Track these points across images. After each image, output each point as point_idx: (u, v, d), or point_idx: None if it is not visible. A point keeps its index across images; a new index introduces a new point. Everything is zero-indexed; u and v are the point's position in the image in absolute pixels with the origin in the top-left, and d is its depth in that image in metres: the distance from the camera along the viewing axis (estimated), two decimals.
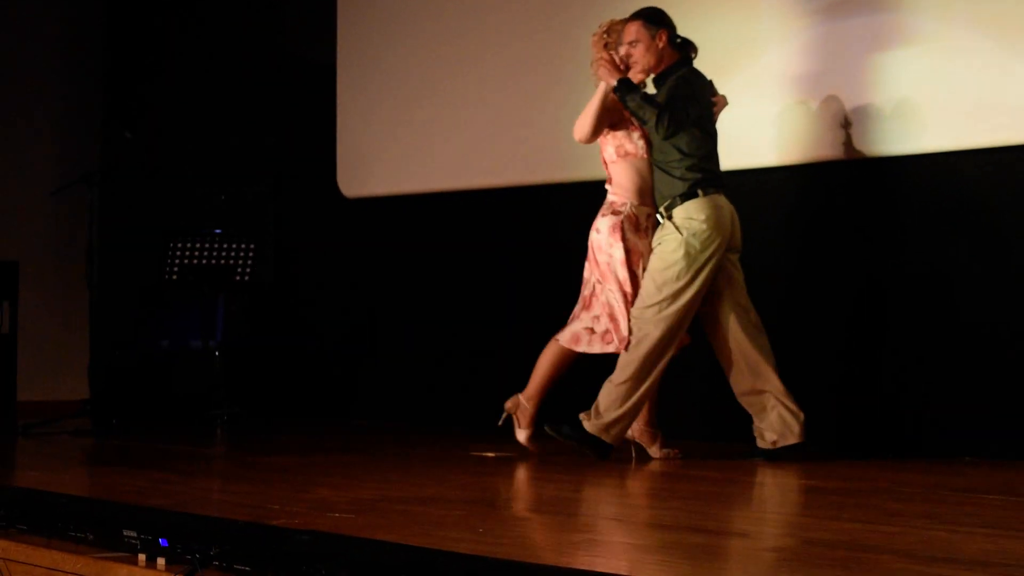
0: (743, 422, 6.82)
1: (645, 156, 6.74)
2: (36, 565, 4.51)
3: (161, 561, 4.19)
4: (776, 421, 6.62)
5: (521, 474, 6.41)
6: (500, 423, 6.95)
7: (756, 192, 7.56)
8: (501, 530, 4.63)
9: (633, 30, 6.74)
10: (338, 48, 9.85)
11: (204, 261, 9.25)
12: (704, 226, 6.55)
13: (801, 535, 4.53)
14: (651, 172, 6.73)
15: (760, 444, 6.68)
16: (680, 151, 6.61)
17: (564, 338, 6.74)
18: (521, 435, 6.88)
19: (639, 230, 6.70)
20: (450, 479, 6.16)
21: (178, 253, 9.24)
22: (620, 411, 6.54)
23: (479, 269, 9.11)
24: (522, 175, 8.50)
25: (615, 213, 6.70)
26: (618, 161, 6.77)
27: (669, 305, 6.52)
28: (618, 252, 6.63)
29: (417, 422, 9.24)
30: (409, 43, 9.42)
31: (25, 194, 10.30)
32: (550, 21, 7.14)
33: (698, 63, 6.88)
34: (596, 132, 6.76)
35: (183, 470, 6.71)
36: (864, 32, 7.28)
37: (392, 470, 6.52)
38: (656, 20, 6.76)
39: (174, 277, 9.27)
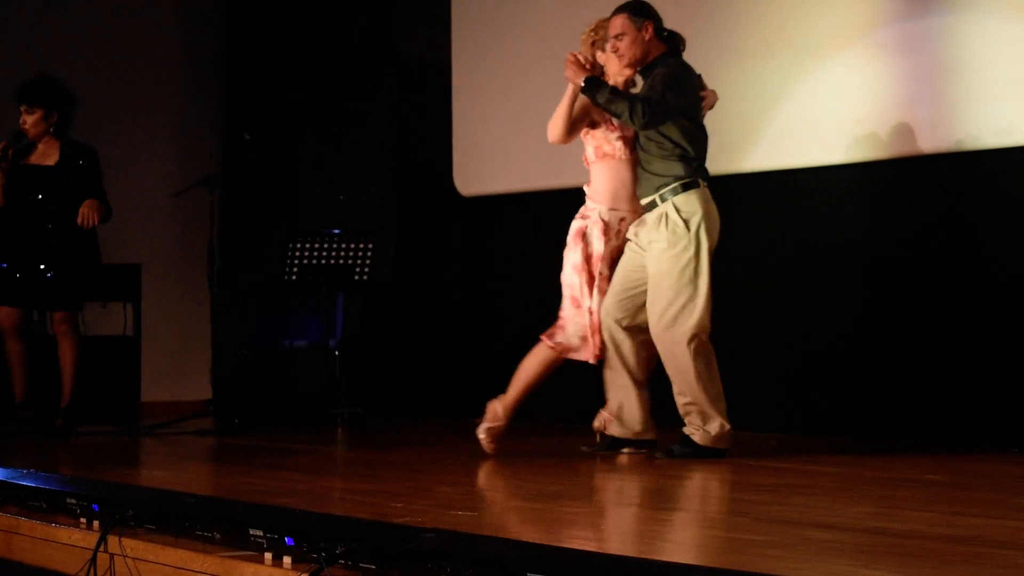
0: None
1: (624, 157, 6.66)
2: (164, 564, 4.55)
3: (287, 560, 4.21)
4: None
5: (630, 468, 6.38)
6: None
7: (835, 189, 7.63)
8: (626, 526, 4.60)
9: (618, 23, 6.62)
10: (453, 47, 9.86)
11: (323, 261, 9.31)
12: (707, 219, 6.49)
13: (930, 531, 4.44)
14: (633, 173, 6.66)
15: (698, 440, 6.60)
16: (671, 140, 6.51)
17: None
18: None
19: (609, 233, 6.68)
20: (570, 476, 6.14)
21: (297, 253, 9.31)
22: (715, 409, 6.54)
23: None
24: None
25: (583, 218, 6.73)
26: (597, 162, 6.74)
27: (690, 303, 6.49)
28: (574, 257, 6.73)
29: (535, 419, 9.22)
30: (524, 40, 9.41)
31: (147, 198, 10.43)
32: (669, 15, 7.09)
33: (791, 57, 6.83)
34: (569, 133, 6.72)
35: (306, 468, 6.76)
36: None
37: (513, 467, 6.51)
38: (641, 12, 6.63)
39: (294, 277, 9.34)
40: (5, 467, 6.23)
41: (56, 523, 5.19)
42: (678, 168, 6.49)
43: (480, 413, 6.56)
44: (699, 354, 6.47)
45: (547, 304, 9.32)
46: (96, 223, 8.13)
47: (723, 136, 7.32)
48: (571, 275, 6.73)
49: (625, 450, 6.74)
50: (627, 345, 6.66)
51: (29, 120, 8.29)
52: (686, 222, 6.45)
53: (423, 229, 10.29)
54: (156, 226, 10.62)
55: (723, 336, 7.36)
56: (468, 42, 9.77)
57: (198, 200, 9.43)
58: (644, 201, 6.59)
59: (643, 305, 6.58)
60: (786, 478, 5.95)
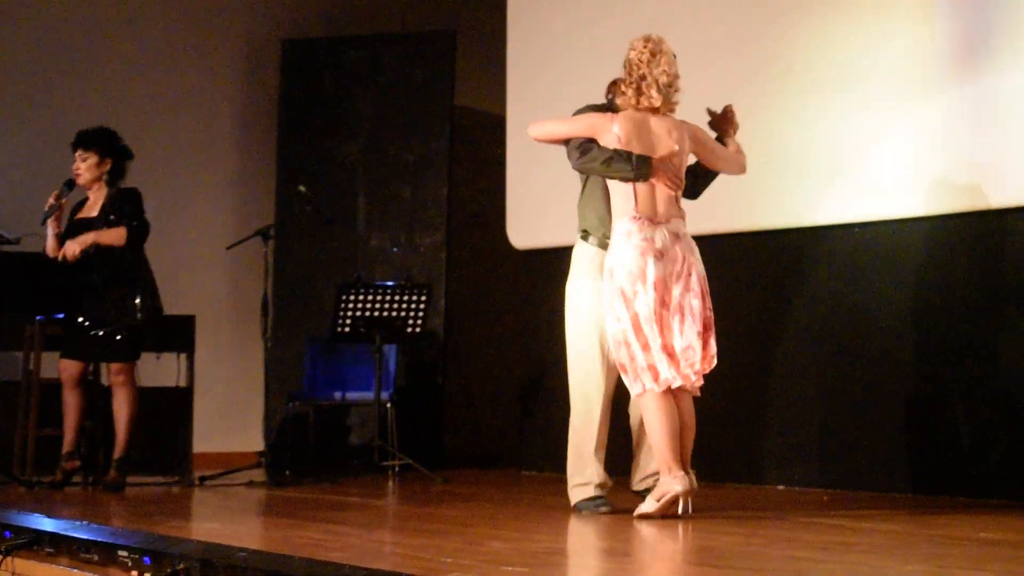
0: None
1: None
2: None
3: None
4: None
5: (694, 526, 6.32)
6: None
7: (894, 243, 7.67)
8: None
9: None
10: (507, 99, 9.90)
11: (376, 312, 9.33)
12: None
13: None
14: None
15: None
16: None
17: None
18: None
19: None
20: (622, 530, 6.10)
21: (350, 305, 9.33)
22: None
23: None
24: (698, 224, 8.39)
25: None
26: None
27: None
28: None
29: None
30: (576, 94, 9.39)
31: (202, 249, 10.49)
32: (711, 77, 7.12)
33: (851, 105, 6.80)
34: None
35: (357, 522, 6.74)
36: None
37: (563, 522, 6.48)
38: None
39: (347, 329, 9.36)
40: (57, 517, 6.25)
41: (108, 575, 5.19)
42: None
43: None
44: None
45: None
46: (77, 254, 8.18)
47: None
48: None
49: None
50: None
51: (82, 165, 8.38)
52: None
53: (476, 281, 10.31)
54: (211, 278, 10.68)
55: (774, 392, 7.36)
56: (523, 94, 9.80)
57: (252, 252, 9.48)
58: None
59: None
60: (839, 535, 5.89)
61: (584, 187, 6.80)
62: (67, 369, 8.35)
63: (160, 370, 8.95)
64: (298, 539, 5.75)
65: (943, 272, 7.57)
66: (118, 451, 8.34)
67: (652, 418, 6.29)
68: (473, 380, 11.03)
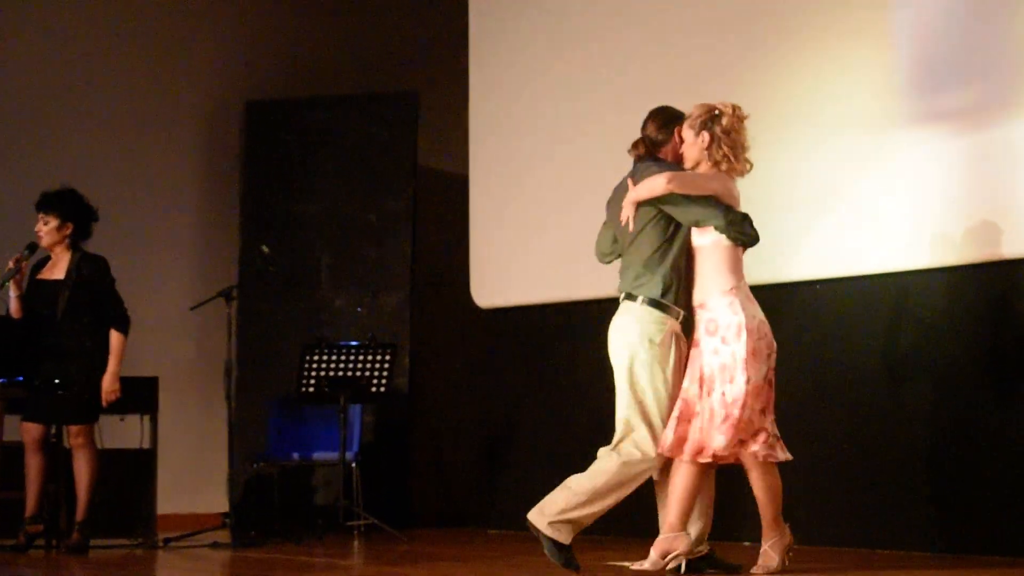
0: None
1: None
2: None
3: None
4: None
5: None
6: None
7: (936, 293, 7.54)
8: None
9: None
10: (470, 158, 9.94)
11: (340, 372, 9.31)
12: None
13: None
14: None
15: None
16: None
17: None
18: None
19: None
20: None
21: (314, 365, 9.32)
22: None
23: (613, 377, 9.05)
24: None
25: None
26: None
27: None
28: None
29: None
30: (539, 154, 9.48)
31: (165, 310, 10.45)
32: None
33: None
34: None
35: None
36: None
37: None
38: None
39: (311, 389, 9.33)
40: None
41: None
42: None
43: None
44: None
45: (563, 415, 9.33)
46: (119, 392, 8.29)
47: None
48: None
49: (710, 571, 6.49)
50: None
51: (44, 229, 8.37)
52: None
53: (441, 340, 10.31)
54: (174, 339, 10.64)
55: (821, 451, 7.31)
56: (485, 153, 9.84)
57: (216, 312, 9.45)
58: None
59: None
60: None
61: (668, 248, 6.39)
62: (29, 432, 8.31)
63: (123, 432, 8.90)
64: None
65: (961, 324, 7.47)
66: (80, 513, 8.29)
67: (771, 485, 6.30)
68: (439, 439, 11.01)
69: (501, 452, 9.80)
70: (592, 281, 9.00)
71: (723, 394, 6.16)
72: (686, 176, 6.33)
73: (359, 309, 10.50)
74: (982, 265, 7.30)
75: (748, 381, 6.14)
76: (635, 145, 6.56)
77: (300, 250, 10.65)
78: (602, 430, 9.00)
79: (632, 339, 6.32)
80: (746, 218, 6.32)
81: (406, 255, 10.49)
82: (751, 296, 6.32)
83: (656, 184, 6.26)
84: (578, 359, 9.29)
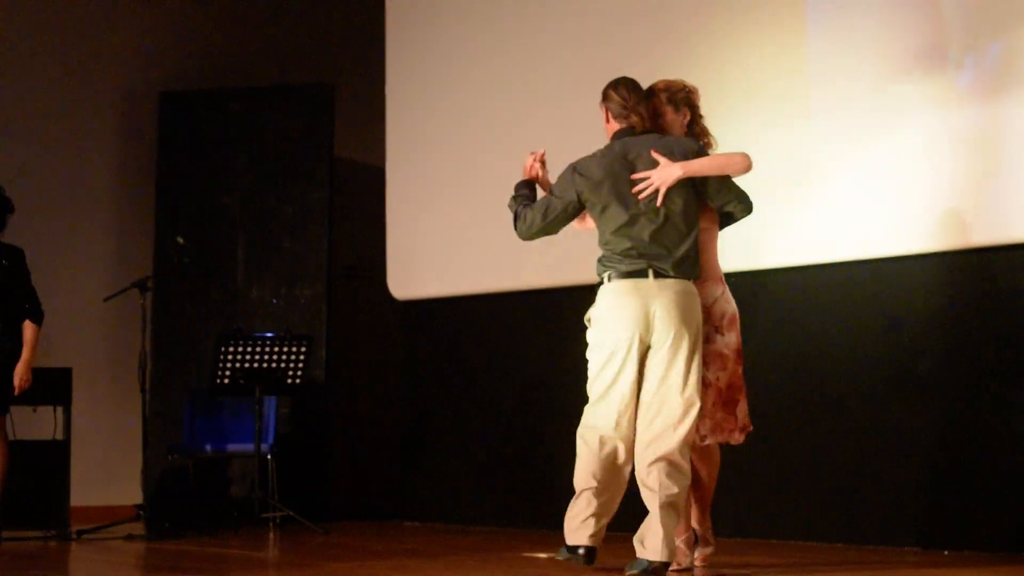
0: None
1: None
2: None
3: None
4: None
5: None
6: None
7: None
8: None
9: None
10: (387, 151, 9.94)
11: (256, 364, 9.29)
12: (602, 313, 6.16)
13: None
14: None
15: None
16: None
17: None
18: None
19: None
20: None
21: (229, 356, 9.28)
22: None
23: (530, 369, 9.11)
24: (574, 275, 8.45)
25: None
26: None
27: None
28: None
29: (468, 523, 9.21)
30: (456, 146, 9.50)
31: (79, 301, 10.37)
32: (595, 124, 7.08)
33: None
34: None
35: (237, 575, 6.70)
36: None
37: (448, 574, 6.48)
38: (603, 95, 6.30)
39: (226, 380, 9.30)
40: None
41: None
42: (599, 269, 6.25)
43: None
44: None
45: (480, 407, 9.37)
46: (30, 380, 8.19)
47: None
48: None
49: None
50: None
51: None
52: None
53: (357, 332, 10.31)
54: (88, 329, 10.56)
55: (841, 450, 7.25)
56: (402, 145, 9.85)
57: (130, 304, 9.41)
58: None
59: None
60: None
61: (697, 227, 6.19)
62: None
63: (37, 423, 8.84)
64: None
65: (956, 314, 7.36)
66: None
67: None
68: (357, 431, 11.00)
69: (418, 444, 9.82)
70: (509, 273, 9.08)
71: (717, 379, 6.08)
72: (741, 154, 6.11)
73: (275, 301, 10.48)
74: (958, 252, 7.21)
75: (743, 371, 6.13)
76: (625, 117, 6.19)
77: (216, 241, 10.60)
78: (520, 422, 9.09)
79: (700, 319, 6.07)
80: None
81: (323, 247, 10.47)
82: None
83: (734, 162, 6.07)
84: (495, 351, 9.34)
